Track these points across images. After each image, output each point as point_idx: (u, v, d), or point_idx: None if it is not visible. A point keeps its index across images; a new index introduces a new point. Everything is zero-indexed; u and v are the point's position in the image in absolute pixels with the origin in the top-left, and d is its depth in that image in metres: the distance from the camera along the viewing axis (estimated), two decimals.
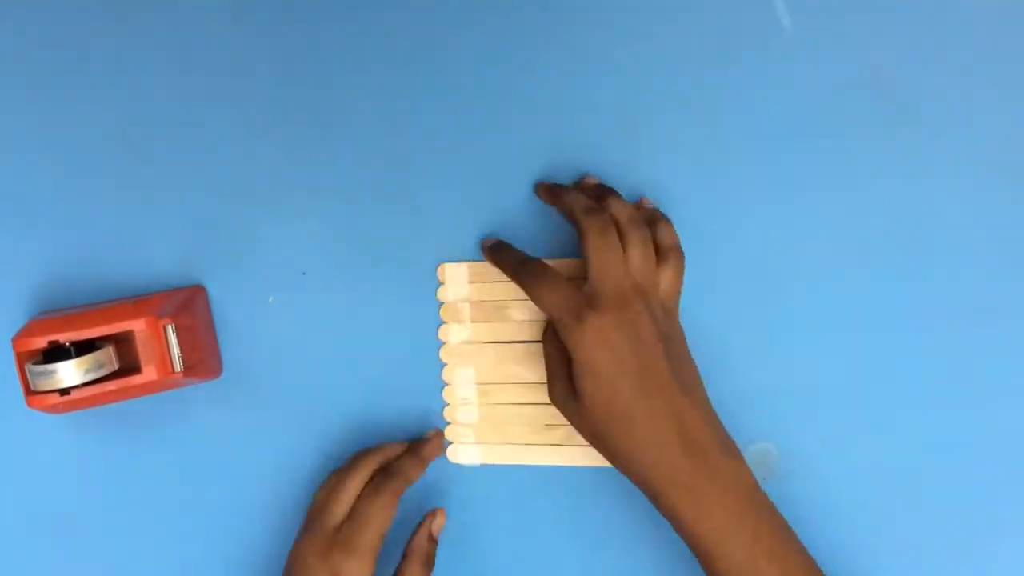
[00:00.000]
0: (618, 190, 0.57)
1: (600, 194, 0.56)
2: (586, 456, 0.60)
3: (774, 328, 0.59)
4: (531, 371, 0.60)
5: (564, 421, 0.59)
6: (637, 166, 0.60)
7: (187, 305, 0.58)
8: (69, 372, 0.52)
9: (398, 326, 0.61)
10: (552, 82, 0.60)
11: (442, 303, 0.61)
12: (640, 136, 0.60)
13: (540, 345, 0.60)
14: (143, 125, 0.62)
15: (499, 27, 0.61)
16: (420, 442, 0.60)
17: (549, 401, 0.56)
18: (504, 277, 0.60)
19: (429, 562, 0.57)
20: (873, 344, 0.58)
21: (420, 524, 0.58)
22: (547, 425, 0.60)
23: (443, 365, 0.61)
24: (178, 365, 0.55)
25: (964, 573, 0.58)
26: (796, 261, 0.59)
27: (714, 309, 0.59)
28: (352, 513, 0.55)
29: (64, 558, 0.62)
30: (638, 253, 0.53)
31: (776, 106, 0.59)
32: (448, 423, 0.61)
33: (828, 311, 0.59)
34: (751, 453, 0.58)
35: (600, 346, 0.50)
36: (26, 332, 0.54)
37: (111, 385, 0.54)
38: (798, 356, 0.58)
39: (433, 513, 0.59)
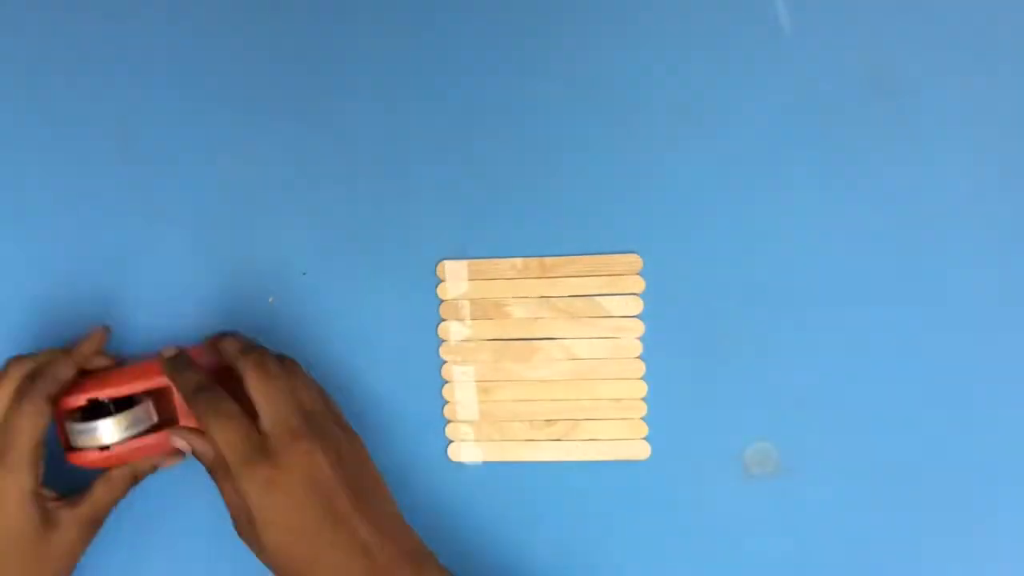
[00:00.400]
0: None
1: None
2: (587, 451, 0.60)
3: (774, 327, 0.59)
4: (531, 368, 0.61)
5: (564, 415, 0.60)
6: (636, 166, 0.60)
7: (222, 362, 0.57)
8: (109, 429, 0.53)
9: (398, 324, 0.61)
10: (551, 81, 0.60)
11: (442, 301, 0.61)
12: (639, 136, 0.60)
13: (540, 342, 0.60)
14: (142, 125, 0.61)
15: (499, 27, 0.60)
16: (79, 340, 0.56)
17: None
18: (504, 275, 0.60)
19: (134, 481, 0.55)
20: (873, 343, 0.59)
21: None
22: (547, 421, 0.61)
23: (443, 362, 0.61)
24: None
25: (963, 572, 0.59)
26: (796, 260, 0.59)
27: (714, 308, 0.60)
28: (1, 426, 0.51)
29: None
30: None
31: (776, 106, 0.59)
32: (449, 420, 0.61)
33: (828, 310, 0.59)
34: (751, 453, 0.59)
35: (272, 493, 0.48)
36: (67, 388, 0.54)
37: (151, 439, 0.54)
38: (798, 355, 0.59)
39: (170, 453, 0.55)
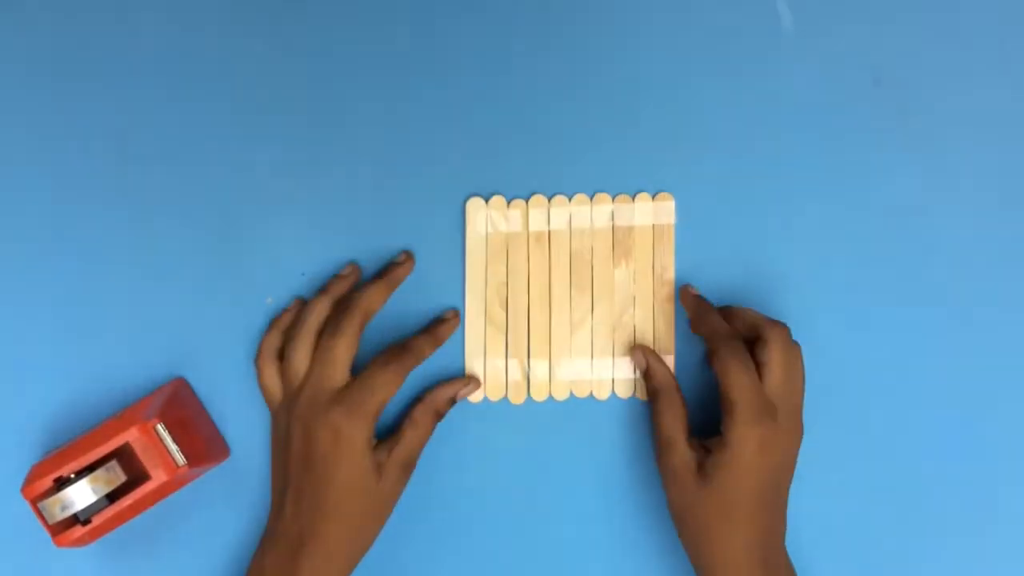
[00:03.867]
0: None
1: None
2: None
3: None
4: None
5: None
6: (637, 166, 0.60)
7: (171, 401, 0.58)
8: (80, 492, 0.53)
9: (397, 326, 0.61)
10: (552, 83, 0.60)
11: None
12: (640, 136, 0.60)
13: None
14: (141, 125, 0.61)
15: (498, 27, 0.61)
16: (436, 321, 0.60)
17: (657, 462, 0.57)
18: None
19: (438, 418, 0.58)
20: (873, 343, 0.59)
21: (448, 381, 0.59)
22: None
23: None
24: (180, 459, 0.55)
25: (964, 572, 0.58)
26: (795, 261, 0.59)
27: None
28: (360, 378, 0.55)
29: None
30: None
31: (776, 106, 0.59)
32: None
33: (828, 310, 0.59)
34: None
35: (761, 452, 0.52)
36: (31, 478, 0.54)
37: (127, 500, 0.54)
38: None
39: (468, 380, 0.59)
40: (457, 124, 0.61)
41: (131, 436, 0.54)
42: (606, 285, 0.60)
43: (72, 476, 0.54)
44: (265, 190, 0.61)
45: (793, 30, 0.59)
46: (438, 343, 0.59)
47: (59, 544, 0.54)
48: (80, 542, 0.54)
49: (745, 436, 0.52)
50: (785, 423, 0.53)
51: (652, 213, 0.60)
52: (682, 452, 0.54)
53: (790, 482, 0.55)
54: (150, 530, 0.60)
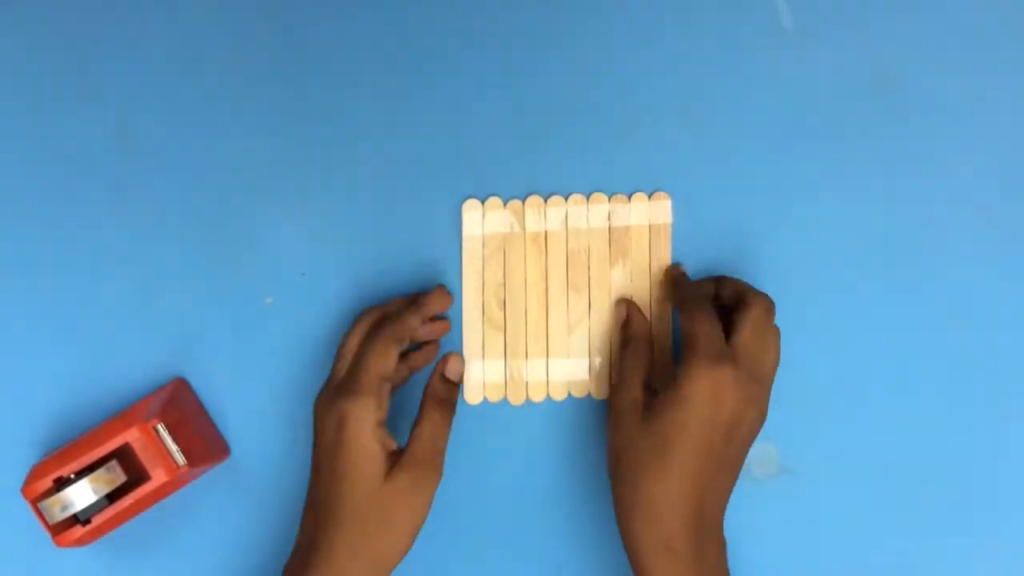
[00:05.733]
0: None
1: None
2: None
3: None
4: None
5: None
6: (637, 166, 0.60)
7: (172, 400, 0.58)
8: (80, 492, 0.53)
9: None
10: (552, 83, 0.60)
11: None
12: (640, 136, 0.60)
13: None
14: (141, 125, 0.62)
15: (499, 27, 0.61)
16: (423, 294, 0.58)
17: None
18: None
19: (447, 405, 0.56)
20: (873, 343, 0.59)
21: (434, 369, 0.58)
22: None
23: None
24: (180, 460, 0.55)
25: (965, 572, 0.58)
26: (796, 261, 0.59)
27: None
28: (352, 361, 0.55)
29: None
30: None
31: (776, 106, 0.59)
32: None
33: (828, 311, 0.59)
34: (753, 454, 0.58)
35: (711, 396, 0.51)
36: (31, 478, 0.55)
37: (128, 500, 0.55)
38: (798, 356, 0.58)
39: (446, 357, 0.58)
40: (453, 125, 0.61)
41: (131, 436, 0.55)
42: (603, 285, 0.60)
43: (72, 476, 0.54)
44: (265, 190, 0.61)
45: (793, 30, 0.59)
46: (422, 313, 0.57)
47: (59, 544, 0.54)
48: (80, 542, 0.55)
49: (697, 374, 0.51)
50: (746, 380, 0.51)
51: (648, 213, 0.60)
52: (633, 391, 0.54)
53: (742, 449, 0.53)
54: (150, 530, 0.60)
